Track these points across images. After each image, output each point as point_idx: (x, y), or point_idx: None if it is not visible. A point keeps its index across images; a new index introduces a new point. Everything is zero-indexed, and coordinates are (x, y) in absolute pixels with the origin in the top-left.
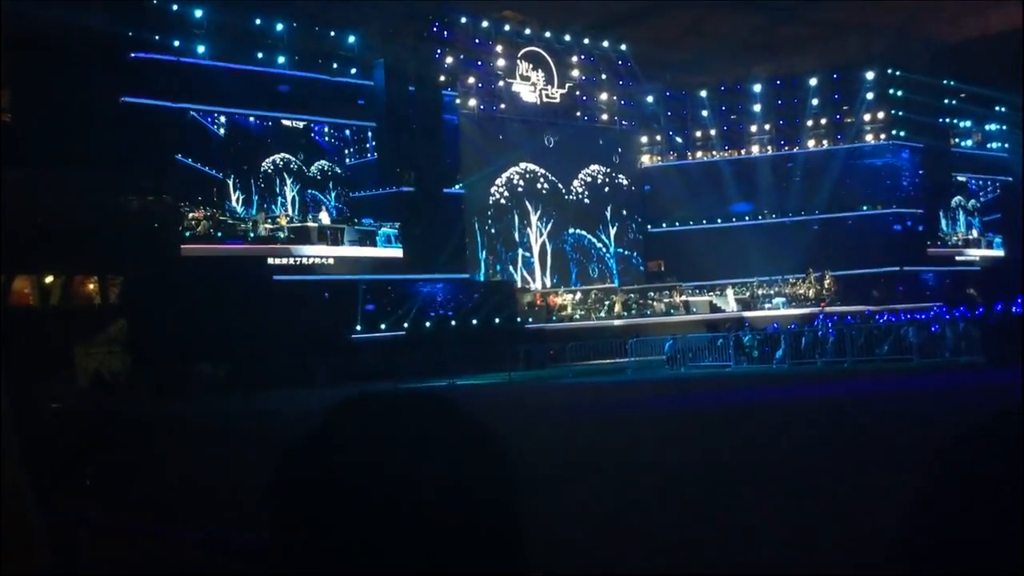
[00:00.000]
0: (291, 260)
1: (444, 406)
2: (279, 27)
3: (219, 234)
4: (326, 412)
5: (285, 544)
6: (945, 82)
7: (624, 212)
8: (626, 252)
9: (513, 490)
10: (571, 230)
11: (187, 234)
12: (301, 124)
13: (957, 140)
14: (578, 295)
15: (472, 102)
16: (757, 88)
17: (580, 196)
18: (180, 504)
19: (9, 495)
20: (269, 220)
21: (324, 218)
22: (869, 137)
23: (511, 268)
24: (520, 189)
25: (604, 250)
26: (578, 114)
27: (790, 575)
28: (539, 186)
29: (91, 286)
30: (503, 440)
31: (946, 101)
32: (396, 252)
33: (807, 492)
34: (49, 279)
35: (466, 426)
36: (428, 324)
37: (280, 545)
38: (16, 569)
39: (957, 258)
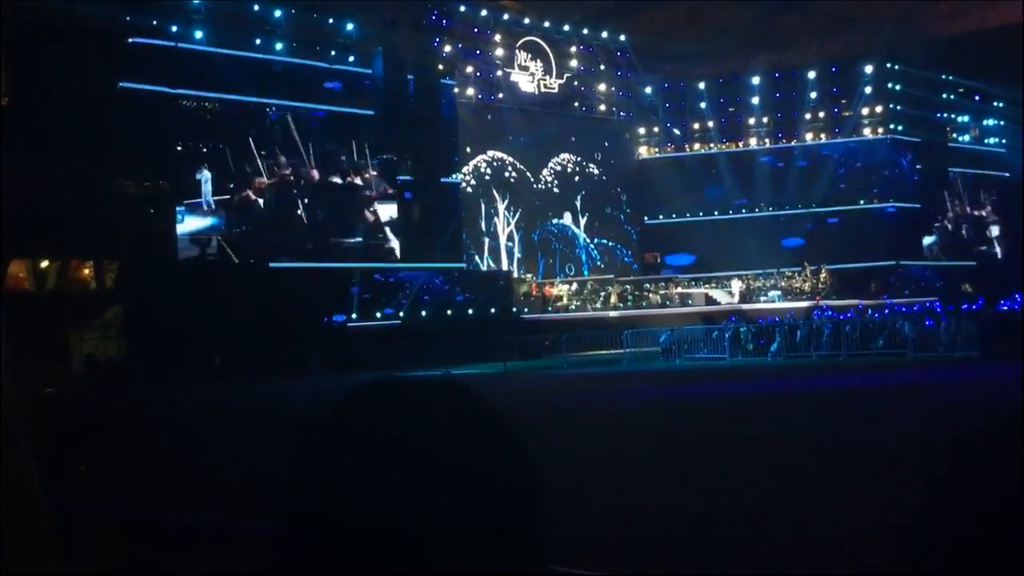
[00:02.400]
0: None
1: (464, 393)
2: (277, 14)
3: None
4: (344, 395)
5: (299, 527)
6: (943, 77)
7: (615, 203)
8: (610, 243)
9: (532, 482)
10: (555, 220)
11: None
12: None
13: (955, 135)
14: (574, 286)
15: (470, 91)
16: (755, 81)
17: (575, 187)
18: (176, 491)
19: (18, 485)
20: None
21: None
22: (867, 131)
23: (476, 257)
24: (487, 177)
25: (585, 240)
26: (576, 104)
27: (790, 575)
28: (509, 175)
29: (86, 272)
30: (522, 431)
31: (944, 96)
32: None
33: (797, 488)
34: (44, 264)
35: (487, 415)
36: (424, 313)
37: (294, 528)
38: (26, 558)
39: (953, 253)
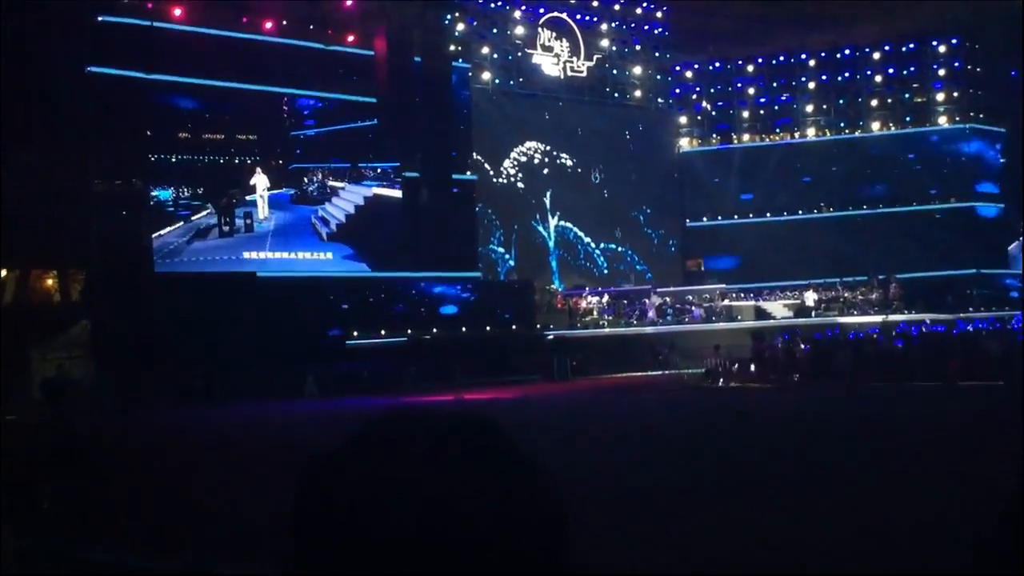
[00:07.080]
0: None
1: (485, 429)
2: None
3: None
4: (357, 428)
5: (305, 571)
6: None
7: (648, 202)
8: (620, 248)
9: (558, 527)
10: (562, 223)
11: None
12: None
13: None
14: (605, 298)
15: (486, 76)
16: (813, 62)
17: (595, 185)
18: (148, 529)
19: None
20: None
21: None
22: (943, 120)
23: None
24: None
25: (592, 246)
26: (607, 90)
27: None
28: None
29: (50, 281)
30: (547, 470)
31: None
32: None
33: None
34: (2, 273)
35: (509, 453)
36: (434, 329)
37: (299, 571)
38: None
39: None
